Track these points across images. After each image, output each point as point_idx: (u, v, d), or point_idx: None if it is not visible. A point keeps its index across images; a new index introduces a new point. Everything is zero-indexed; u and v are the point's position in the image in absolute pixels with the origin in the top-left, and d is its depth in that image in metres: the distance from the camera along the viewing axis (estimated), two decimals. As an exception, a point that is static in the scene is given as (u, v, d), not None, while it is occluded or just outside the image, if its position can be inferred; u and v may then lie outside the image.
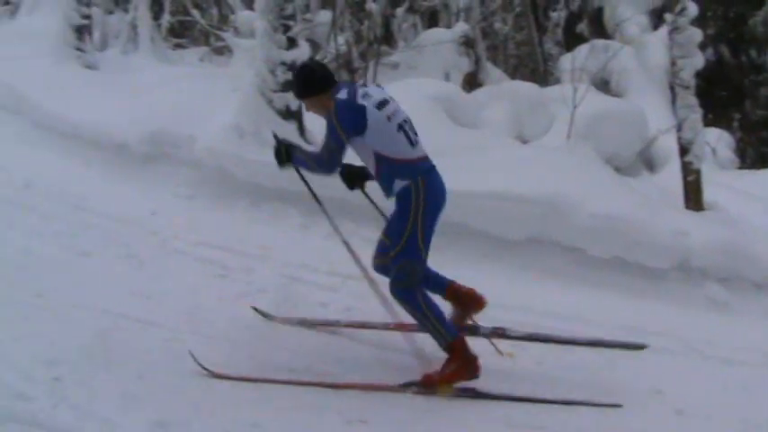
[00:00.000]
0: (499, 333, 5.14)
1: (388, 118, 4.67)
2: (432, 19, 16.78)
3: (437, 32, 14.21)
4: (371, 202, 5.35)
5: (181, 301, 5.68)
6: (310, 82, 4.83)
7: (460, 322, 5.10)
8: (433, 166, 4.83)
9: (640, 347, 4.96)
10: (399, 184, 4.71)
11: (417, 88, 9.36)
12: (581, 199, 6.79)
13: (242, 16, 12.74)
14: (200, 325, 5.32)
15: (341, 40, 13.36)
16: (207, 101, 8.89)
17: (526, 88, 11.15)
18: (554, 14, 18.24)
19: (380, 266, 5.06)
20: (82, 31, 11.78)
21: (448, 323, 4.80)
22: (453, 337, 4.74)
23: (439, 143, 7.84)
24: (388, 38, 14.60)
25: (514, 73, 18.06)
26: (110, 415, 4.12)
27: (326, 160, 4.81)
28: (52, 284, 5.84)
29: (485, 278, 5.76)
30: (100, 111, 9.29)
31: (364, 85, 5.18)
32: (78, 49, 11.67)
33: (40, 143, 9.38)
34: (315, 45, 12.58)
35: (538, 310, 5.87)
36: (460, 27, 14.04)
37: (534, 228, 6.84)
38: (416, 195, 4.67)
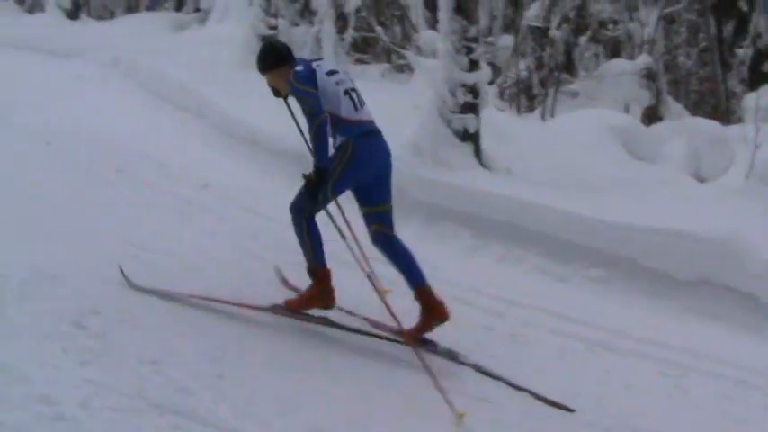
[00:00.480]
0: (452, 356, 5.32)
1: (336, 83, 5.32)
2: (614, 49, 16.57)
3: (619, 63, 14.00)
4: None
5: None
6: (273, 55, 5.54)
7: (423, 328, 5.40)
8: (376, 131, 5.50)
9: (569, 410, 4.86)
10: (340, 139, 5.38)
11: (596, 119, 9.31)
12: (758, 243, 6.56)
13: (425, 36, 12.89)
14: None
15: (522, 65, 13.37)
16: (386, 117, 9.03)
17: (707, 125, 10.89)
18: (740, 51, 17.67)
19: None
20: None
21: (320, 253, 5.46)
22: (320, 264, 5.47)
23: (614, 175, 7.81)
24: (568, 66, 14.50)
25: (695, 109, 17.58)
26: (268, 416, 4.26)
27: (313, 122, 5.20)
28: (221, 284, 6.11)
29: (650, 315, 5.70)
30: (277, 119, 9.59)
31: (319, 59, 5.99)
32: (262, 58, 12.06)
33: (219, 146, 9.79)
34: (495, 69, 12.64)
35: (700, 353, 5.75)
36: (643, 59, 13.79)
37: (705, 268, 6.62)
38: (345, 150, 5.33)
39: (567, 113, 10.58)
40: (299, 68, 5.30)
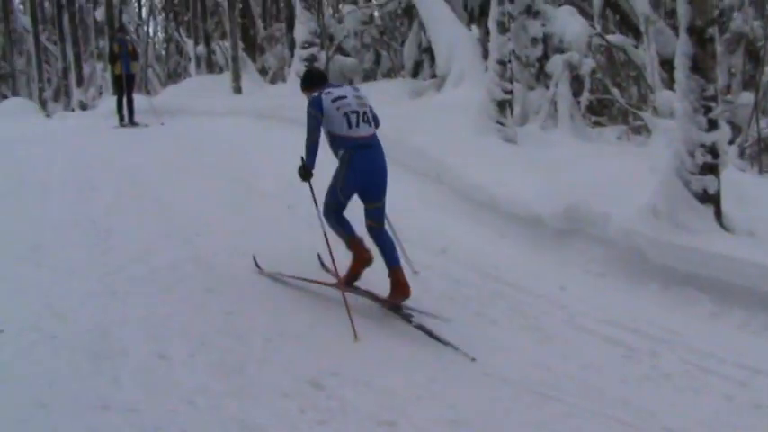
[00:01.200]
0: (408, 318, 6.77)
1: (338, 108, 6.83)
2: None
3: None
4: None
5: (581, 378, 5.77)
6: (305, 79, 7.45)
7: (391, 299, 6.92)
8: (370, 145, 6.97)
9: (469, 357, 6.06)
10: (339, 152, 6.99)
11: None
12: None
13: (662, 96, 12.65)
14: (599, 404, 5.37)
15: (763, 123, 12.86)
16: (623, 179, 8.94)
17: None
18: None
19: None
20: (503, 106, 12.30)
21: (350, 229, 7.21)
22: (352, 235, 7.20)
23: None
24: (814, 122, 13.79)
25: None
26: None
27: (309, 137, 6.85)
28: (456, 349, 6.21)
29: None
30: (517, 184, 9.64)
31: (339, 86, 7.28)
32: (499, 122, 12.19)
33: (456, 211, 9.92)
34: (735, 127, 12.23)
35: None
36: None
37: None
38: (343, 161, 6.95)
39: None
40: (315, 94, 6.96)
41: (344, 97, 6.93)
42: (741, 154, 12.97)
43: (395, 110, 14.91)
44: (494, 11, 12.42)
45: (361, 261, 7.22)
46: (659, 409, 5.30)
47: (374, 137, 7.07)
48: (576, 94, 13.30)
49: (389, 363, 5.92)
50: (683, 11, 7.60)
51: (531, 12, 14.05)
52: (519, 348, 6.30)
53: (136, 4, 39.58)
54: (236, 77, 22.06)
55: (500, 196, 9.58)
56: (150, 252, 8.38)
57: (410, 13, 20.71)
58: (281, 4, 26.88)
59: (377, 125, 7.26)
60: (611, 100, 14.40)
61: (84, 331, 6.30)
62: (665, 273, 7.36)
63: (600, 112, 15.28)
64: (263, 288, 7.51)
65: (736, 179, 8.55)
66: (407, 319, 6.74)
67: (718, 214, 7.62)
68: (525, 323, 6.80)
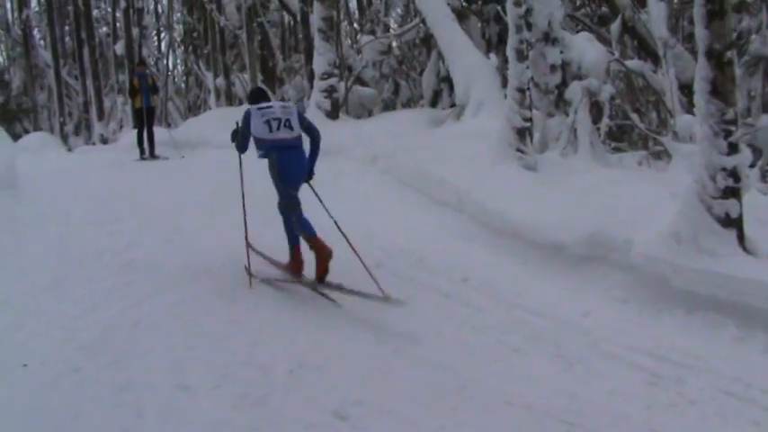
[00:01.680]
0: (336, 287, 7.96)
1: (262, 116, 8.29)
2: None
3: None
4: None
5: (606, 405, 5.71)
6: (250, 97, 9.02)
7: (318, 267, 8.13)
8: (289, 146, 8.29)
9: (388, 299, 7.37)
10: (260, 153, 8.39)
11: None
12: None
13: (682, 120, 12.62)
14: (626, 431, 5.32)
15: (783, 144, 12.81)
16: (645, 205, 8.92)
17: None
18: None
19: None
20: (523, 133, 12.34)
21: (295, 239, 8.53)
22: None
23: None
24: (834, 144, 13.70)
25: None
26: None
27: (239, 142, 8.68)
28: (481, 376, 6.18)
29: None
30: (538, 211, 9.64)
31: (270, 101, 8.86)
32: (519, 150, 12.23)
33: (477, 239, 9.94)
34: (756, 150, 12.17)
35: None
36: None
37: None
38: (271, 163, 8.29)
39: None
40: (247, 109, 8.55)
41: (271, 107, 8.44)
42: (763, 177, 12.91)
43: (414, 139, 15.00)
44: (512, 39, 12.47)
45: (297, 269, 8.59)
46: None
47: (295, 140, 8.38)
48: (596, 120, 13.28)
49: (412, 391, 5.90)
50: (701, 35, 7.60)
51: (548, 39, 14.07)
52: (542, 376, 6.25)
53: (155, 38, 39.94)
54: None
55: (521, 223, 9.58)
56: (172, 284, 8.40)
57: (428, 42, 20.85)
58: (300, 36, 27.01)
59: (315, 135, 8.62)
60: (630, 125, 14.38)
61: (107, 363, 6.31)
62: (689, 298, 7.31)
63: (620, 137, 15.27)
64: (287, 320, 7.51)
65: (758, 202, 8.52)
66: (339, 288, 7.89)
67: (741, 238, 7.58)
68: (548, 350, 6.76)
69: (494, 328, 7.31)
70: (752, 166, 11.05)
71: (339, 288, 7.90)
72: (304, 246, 8.40)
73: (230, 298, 8.01)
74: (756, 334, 6.65)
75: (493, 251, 9.49)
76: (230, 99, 28.11)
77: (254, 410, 5.55)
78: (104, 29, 39.04)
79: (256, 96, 8.86)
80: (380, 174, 13.95)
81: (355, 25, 30.94)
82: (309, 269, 8.34)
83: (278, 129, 8.25)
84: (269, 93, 9.79)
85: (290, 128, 8.33)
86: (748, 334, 6.69)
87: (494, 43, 19.05)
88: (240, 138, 8.58)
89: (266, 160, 8.34)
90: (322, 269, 8.10)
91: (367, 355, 6.44)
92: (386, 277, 8.25)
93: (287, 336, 7.02)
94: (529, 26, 12.91)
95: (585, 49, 13.81)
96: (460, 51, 17.46)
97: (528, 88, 12.51)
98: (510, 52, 12.55)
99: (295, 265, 8.60)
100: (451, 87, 18.20)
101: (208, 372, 6.16)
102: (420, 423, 5.38)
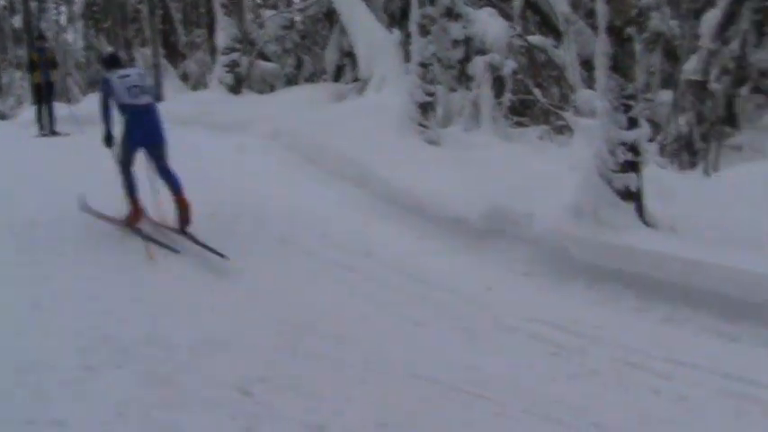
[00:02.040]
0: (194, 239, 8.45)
1: (121, 82, 8.67)
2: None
3: (785, 113, 13.52)
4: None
5: (509, 377, 5.76)
6: (104, 62, 9.65)
7: (180, 219, 8.72)
8: (145, 110, 8.71)
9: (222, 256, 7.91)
10: (120, 116, 8.72)
11: (763, 172, 8.93)
12: None
13: (582, 95, 12.81)
14: (528, 403, 5.37)
15: (682, 120, 13.07)
16: (546, 179, 9.01)
17: None
18: None
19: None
20: (426, 108, 12.34)
21: (136, 193, 9.02)
22: (134, 200, 9.00)
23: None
24: (730, 119, 14.05)
25: None
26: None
27: (100, 106, 8.89)
28: (386, 350, 6.17)
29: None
30: (440, 185, 9.65)
31: (125, 68, 9.31)
32: (421, 124, 12.23)
33: (380, 214, 9.89)
34: (655, 125, 12.40)
35: None
36: (811, 108, 13.28)
37: None
38: (124, 124, 8.68)
39: (732, 168, 10.21)
40: (106, 76, 8.91)
41: (128, 75, 8.84)
42: (662, 151, 13.17)
43: (317, 115, 14.87)
44: (414, 14, 12.45)
45: (137, 214, 9.05)
46: (589, 406, 5.31)
47: (151, 104, 8.85)
48: (498, 95, 13.37)
49: (317, 366, 5.85)
50: (601, 11, 7.67)
51: (451, 14, 14.09)
52: (446, 349, 6.26)
53: (54, 12, 38.81)
54: (158, 84, 21.73)
55: (424, 198, 9.58)
56: (73, 261, 8.17)
57: (331, 17, 20.67)
58: (202, 10, 26.56)
59: (156, 97, 9.48)
60: (532, 100, 14.50)
61: (6, 344, 6.09)
62: (590, 270, 7.41)
63: (522, 112, 15.38)
64: (190, 296, 7.36)
65: (656, 176, 8.66)
66: (193, 239, 8.46)
67: (641, 211, 7.70)
68: (452, 324, 6.77)
69: (397, 303, 7.30)
70: (651, 140, 11.25)
71: (191, 238, 8.54)
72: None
73: (132, 274, 7.80)
74: (656, 305, 6.76)
75: (396, 226, 9.46)
76: (130, 74, 27.48)
77: (161, 388, 5.40)
78: (1, 2, 37.80)
79: (112, 63, 9.20)
80: (283, 149, 13.78)
81: (258, -1, 30.56)
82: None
83: (137, 96, 8.68)
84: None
85: (147, 93, 8.86)
86: (648, 305, 6.80)
87: (397, 18, 18.97)
88: (103, 108, 8.87)
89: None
90: (184, 219, 8.71)
91: (271, 331, 6.36)
92: (289, 251, 8.18)
93: (188, 314, 6.89)
94: (432, 1, 12.88)
95: (488, 24, 13.84)
96: (363, 26, 17.34)
97: (431, 63, 12.50)
98: (412, 27, 12.54)
99: (136, 213, 9.04)
100: (354, 62, 18.09)
101: (111, 350, 5.97)
102: (326, 397, 5.33)
